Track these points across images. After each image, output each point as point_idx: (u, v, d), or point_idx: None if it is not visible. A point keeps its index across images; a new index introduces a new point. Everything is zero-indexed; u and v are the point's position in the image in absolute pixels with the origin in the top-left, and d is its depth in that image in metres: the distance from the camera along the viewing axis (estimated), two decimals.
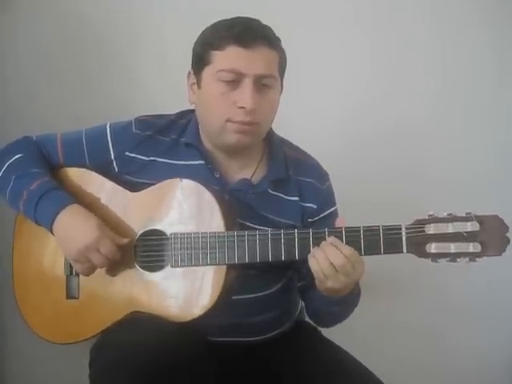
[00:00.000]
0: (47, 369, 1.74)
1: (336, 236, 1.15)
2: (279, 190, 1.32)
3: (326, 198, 1.37)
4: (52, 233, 1.21)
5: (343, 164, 1.74)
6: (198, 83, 1.26)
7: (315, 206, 1.34)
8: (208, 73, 1.23)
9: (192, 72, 1.28)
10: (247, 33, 1.20)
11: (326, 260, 1.14)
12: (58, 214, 1.19)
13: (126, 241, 1.22)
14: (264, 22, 1.25)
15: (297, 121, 1.70)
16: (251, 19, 1.24)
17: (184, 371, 1.09)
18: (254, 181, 1.31)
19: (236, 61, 1.20)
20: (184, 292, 1.20)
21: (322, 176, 1.38)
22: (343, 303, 1.25)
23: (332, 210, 1.38)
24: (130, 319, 1.19)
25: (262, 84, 1.22)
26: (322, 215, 1.35)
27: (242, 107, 1.20)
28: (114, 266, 1.23)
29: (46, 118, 1.67)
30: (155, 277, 1.22)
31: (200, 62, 1.24)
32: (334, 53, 1.82)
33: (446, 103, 1.86)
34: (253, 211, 1.29)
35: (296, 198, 1.33)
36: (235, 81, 1.21)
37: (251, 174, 1.32)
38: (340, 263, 1.13)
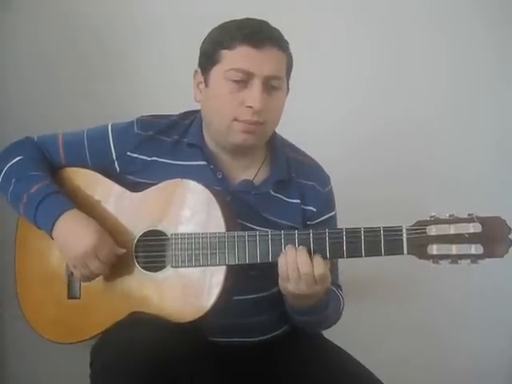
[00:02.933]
0: (48, 369, 1.74)
1: (337, 237, 1.15)
2: (281, 192, 1.32)
3: (326, 202, 1.37)
4: (52, 238, 1.22)
5: (345, 165, 1.74)
6: (206, 82, 1.26)
7: (315, 209, 1.34)
8: (217, 71, 1.23)
9: (199, 71, 1.28)
10: (258, 33, 1.20)
11: (295, 263, 1.13)
12: (57, 219, 1.20)
13: (123, 251, 1.22)
14: None
15: (298, 122, 1.69)
16: (261, 21, 1.24)
17: (184, 371, 1.09)
18: (256, 182, 1.31)
19: (246, 60, 1.20)
20: (184, 292, 1.20)
21: (324, 179, 1.38)
22: (305, 314, 1.25)
23: (331, 214, 1.37)
24: (131, 319, 1.19)
25: (270, 85, 1.22)
26: (321, 219, 1.35)
27: (250, 107, 1.20)
28: (115, 267, 1.23)
29: (46, 119, 1.67)
30: (156, 277, 1.22)
31: (208, 60, 1.24)
32: (335, 53, 1.82)
33: (447, 103, 1.86)
34: (254, 212, 1.29)
35: (297, 201, 1.33)
36: (244, 80, 1.21)
37: (253, 175, 1.32)
38: (305, 271, 1.12)
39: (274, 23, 1.25)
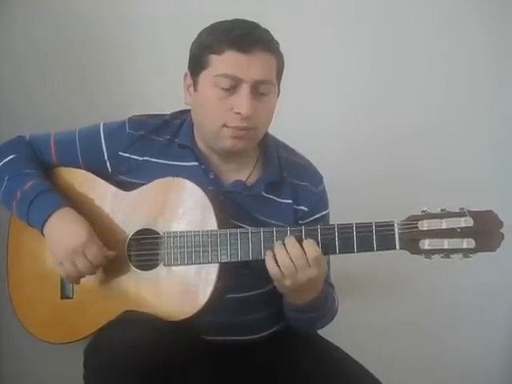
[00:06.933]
0: (44, 369, 1.73)
1: (329, 233, 1.15)
2: (273, 193, 1.32)
3: (319, 201, 1.36)
4: (43, 234, 1.21)
5: (343, 166, 1.75)
6: (195, 86, 1.26)
7: (306, 209, 1.34)
8: (205, 76, 1.23)
9: (189, 74, 1.28)
10: (246, 37, 1.19)
11: (286, 260, 1.13)
12: (50, 216, 1.20)
13: (112, 253, 1.22)
14: (261, 22, 1.24)
15: (295, 122, 1.70)
16: (250, 22, 1.24)
17: (177, 370, 1.09)
18: (249, 183, 1.31)
19: (234, 66, 1.19)
20: (177, 291, 1.20)
21: (317, 179, 1.38)
22: (305, 311, 1.24)
23: (324, 213, 1.37)
24: (124, 318, 1.19)
25: (259, 90, 1.22)
26: (312, 218, 1.34)
27: (239, 113, 1.20)
28: (108, 266, 1.22)
29: (40, 117, 1.67)
30: (148, 275, 1.21)
31: (197, 64, 1.24)
32: (334, 53, 1.82)
33: (446, 104, 1.86)
34: (246, 213, 1.28)
35: (289, 201, 1.33)
36: (232, 86, 1.20)
37: (246, 176, 1.32)
38: (297, 255, 1.13)
39: (272, 22, 1.25)
